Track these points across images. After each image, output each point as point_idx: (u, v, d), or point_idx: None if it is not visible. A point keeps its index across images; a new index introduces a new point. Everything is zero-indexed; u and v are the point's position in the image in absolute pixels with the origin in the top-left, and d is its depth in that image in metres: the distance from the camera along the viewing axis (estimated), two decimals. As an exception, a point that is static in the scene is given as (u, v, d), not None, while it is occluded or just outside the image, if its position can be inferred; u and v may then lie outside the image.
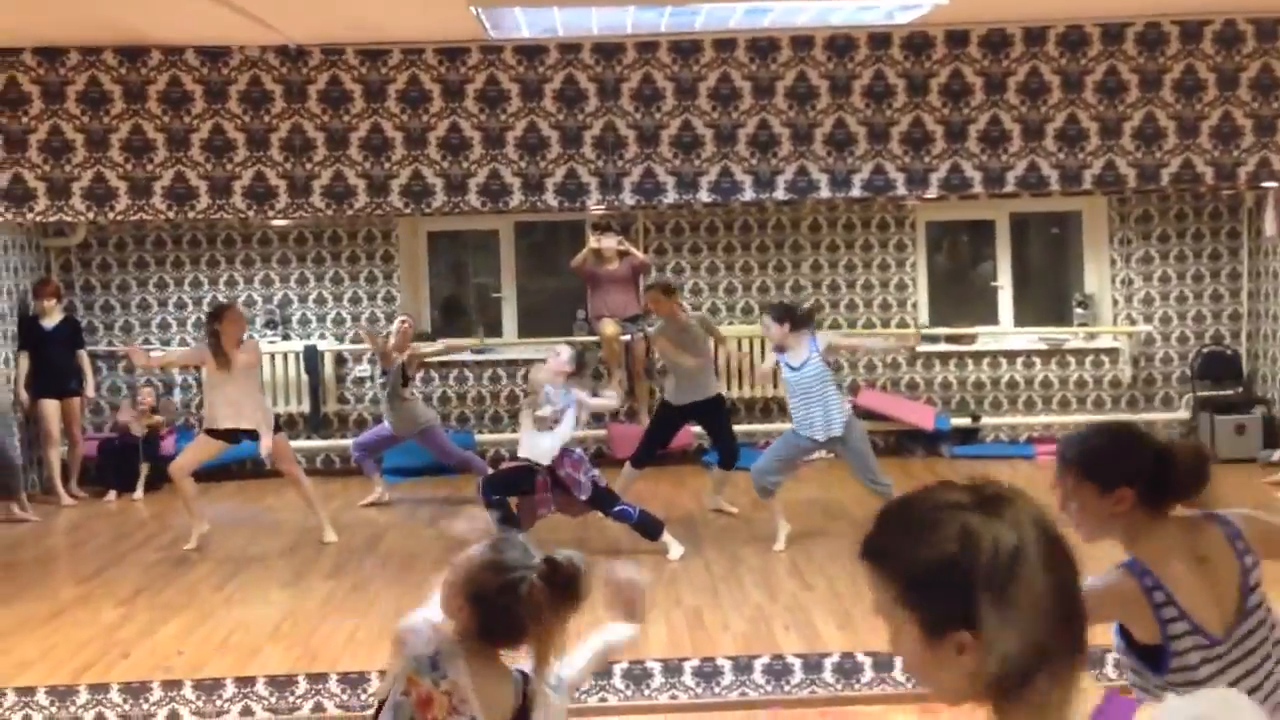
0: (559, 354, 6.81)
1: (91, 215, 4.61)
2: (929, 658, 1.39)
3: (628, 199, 4.57)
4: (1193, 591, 2.45)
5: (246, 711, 4.71)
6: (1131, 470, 2.50)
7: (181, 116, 4.66)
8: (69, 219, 4.65)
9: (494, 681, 2.37)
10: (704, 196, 4.57)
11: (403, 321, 8.16)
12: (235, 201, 4.57)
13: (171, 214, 4.58)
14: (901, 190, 4.56)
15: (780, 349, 6.82)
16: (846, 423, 6.65)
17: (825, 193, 4.55)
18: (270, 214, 4.56)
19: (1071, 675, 1.39)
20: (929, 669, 1.40)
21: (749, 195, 4.55)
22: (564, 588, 2.35)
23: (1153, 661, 2.45)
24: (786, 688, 4.78)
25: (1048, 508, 1.48)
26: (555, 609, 2.34)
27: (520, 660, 2.41)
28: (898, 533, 1.45)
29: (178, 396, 9.37)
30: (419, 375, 8.51)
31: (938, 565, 1.38)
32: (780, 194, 4.55)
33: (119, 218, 4.60)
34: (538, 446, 6.43)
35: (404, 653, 2.39)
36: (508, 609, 2.33)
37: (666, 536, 6.49)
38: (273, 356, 9.22)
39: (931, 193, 4.61)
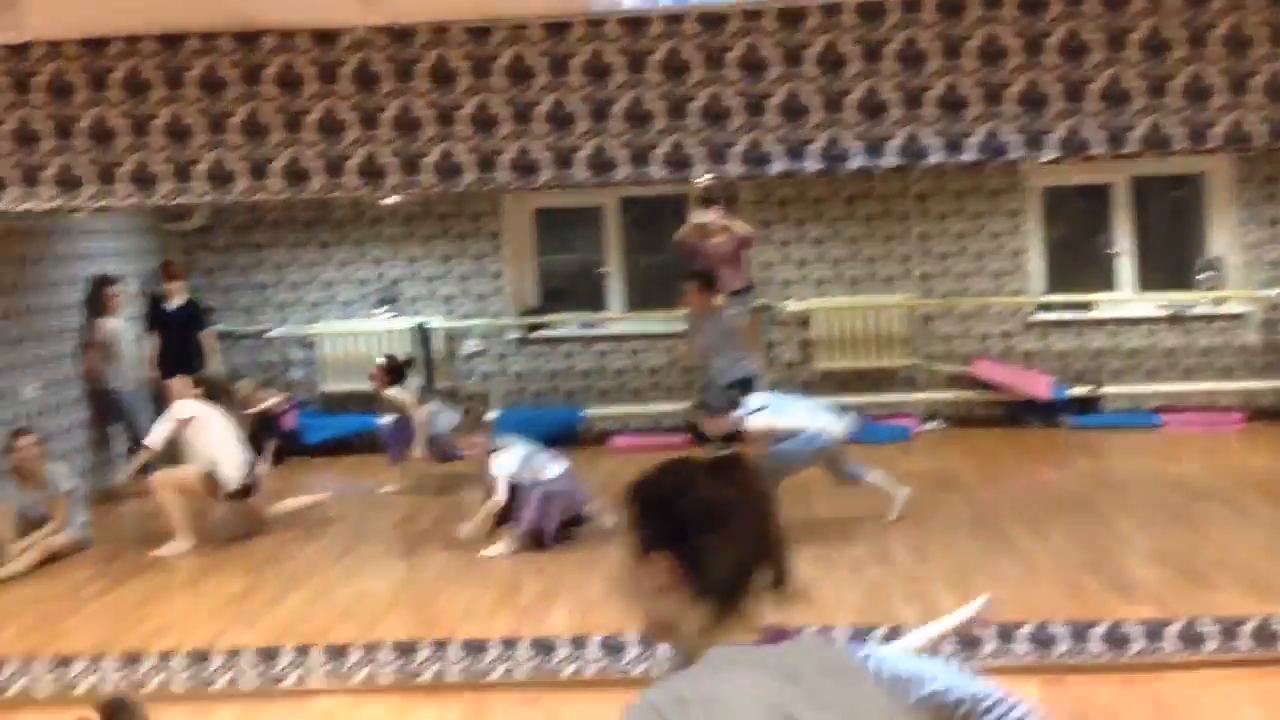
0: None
1: (212, 197, 4.74)
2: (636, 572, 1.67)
3: (734, 169, 4.53)
4: None
5: (372, 677, 4.83)
6: None
7: (294, 98, 4.76)
8: (191, 201, 4.78)
9: None
10: (811, 165, 4.50)
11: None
12: (347, 180, 4.65)
13: (287, 194, 4.69)
14: (1017, 153, 4.43)
15: None
16: None
17: (937, 158, 4.45)
18: (381, 192, 4.64)
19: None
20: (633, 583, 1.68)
21: (858, 162, 4.48)
22: None
23: None
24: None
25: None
26: None
27: None
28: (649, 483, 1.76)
29: (296, 374, 9.60)
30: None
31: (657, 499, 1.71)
32: (891, 160, 4.46)
33: (238, 199, 4.72)
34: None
35: None
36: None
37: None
38: (384, 334, 9.41)
39: (1049, 155, 4.47)
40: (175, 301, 8.83)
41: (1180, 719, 4.19)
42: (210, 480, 6.86)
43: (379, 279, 9.61)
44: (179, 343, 8.73)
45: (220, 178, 4.77)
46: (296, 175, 4.74)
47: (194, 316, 8.92)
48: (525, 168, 4.67)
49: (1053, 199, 9.54)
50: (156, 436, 7.00)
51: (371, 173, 4.69)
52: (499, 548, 6.26)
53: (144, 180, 4.82)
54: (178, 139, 4.79)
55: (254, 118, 4.76)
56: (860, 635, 4.68)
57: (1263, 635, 4.59)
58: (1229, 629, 4.61)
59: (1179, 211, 9.83)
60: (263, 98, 4.76)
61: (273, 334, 9.56)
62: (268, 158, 4.75)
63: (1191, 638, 4.62)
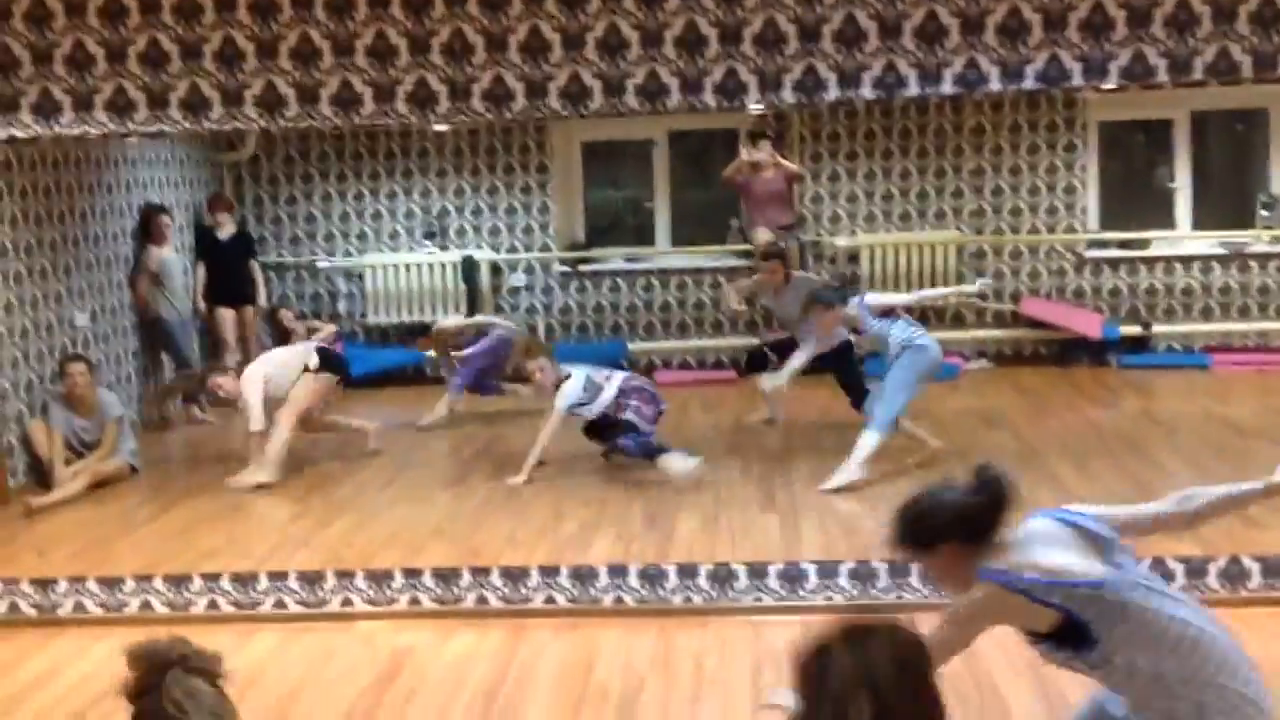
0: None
1: (263, 122, 4.74)
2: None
3: (788, 96, 4.45)
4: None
5: (414, 601, 4.90)
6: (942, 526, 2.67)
7: (346, 23, 4.73)
8: (242, 125, 4.79)
9: None
10: (866, 93, 4.42)
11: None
12: (398, 106, 4.64)
13: (338, 120, 4.68)
14: (1078, 80, 4.32)
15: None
16: None
17: (996, 85, 4.35)
18: (432, 118, 4.61)
19: None
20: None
21: (914, 90, 4.38)
22: None
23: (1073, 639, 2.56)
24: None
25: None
26: None
27: None
28: None
29: (342, 306, 9.67)
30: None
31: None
32: (948, 88, 4.37)
33: (289, 124, 4.72)
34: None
35: None
36: None
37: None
38: (431, 266, 9.44)
39: (1111, 82, 4.36)
40: (225, 232, 8.89)
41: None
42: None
43: (426, 212, 9.62)
44: (228, 273, 8.80)
45: (271, 104, 4.77)
46: (347, 101, 4.73)
47: (243, 247, 8.98)
48: (576, 95, 4.62)
49: (1111, 134, 9.34)
50: (257, 413, 6.66)
51: (422, 99, 4.66)
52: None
53: (195, 105, 4.83)
54: (229, 64, 4.79)
55: (306, 42, 4.74)
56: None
57: (1308, 574, 4.54)
58: (1272, 567, 4.55)
59: (1240, 147, 9.60)
60: (314, 22, 4.73)
61: (320, 265, 9.62)
62: (319, 83, 4.75)
63: (1235, 575, 4.57)
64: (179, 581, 4.98)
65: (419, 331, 8.94)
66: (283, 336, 8.93)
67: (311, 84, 4.72)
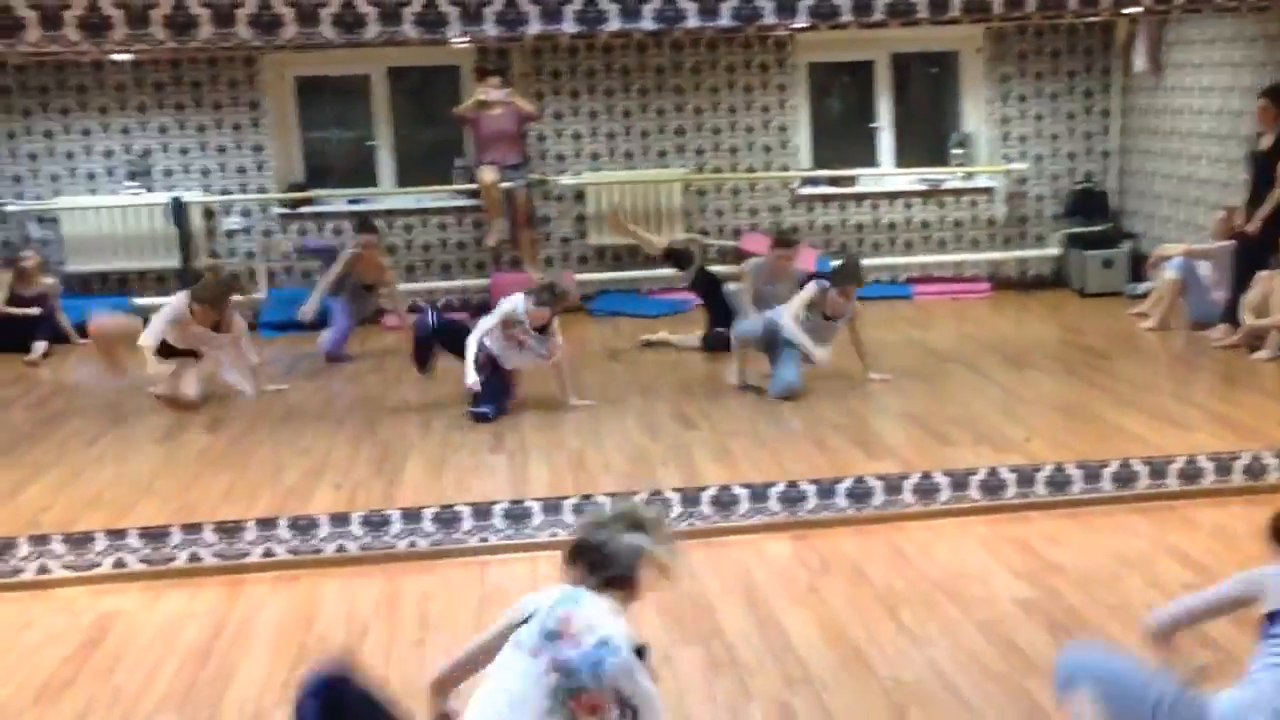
0: (525, 305, 6.33)
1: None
2: None
3: (490, 29, 4.38)
4: None
5: (119, 564, 4.64)
6: None
7: (5, -59, 4.31)
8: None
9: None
10: (568, 27, 4.40)
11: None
12: (68, 32, 4.26)
13: (1, 48, 4.27)
14: (770, 19, 4.44)
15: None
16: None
17: (693, 22, 4.42)
18: (108, 46, 4.27)
19: None
20: None
21: (615, 24, 4.39)
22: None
23: None
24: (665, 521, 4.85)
25: None
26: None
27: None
28: None
29: (41, 253, 8.95)
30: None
31: None
32: (648, 24, 4.40)
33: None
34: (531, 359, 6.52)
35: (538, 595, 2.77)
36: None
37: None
38: (136, 210, 8.86)
39: (801, 21, 4.51)
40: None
41: (916, 563, 4.49)
42: None
43: (128, 150, 9.00)
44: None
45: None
46: (9, 27, 4.31)
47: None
48: (267, 24, 4.38)
49: (819, 75, 9.73)
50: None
51: (95, 25, 4.30)
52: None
53: None
54: None
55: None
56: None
57: (989, 486, 4.94)
58: (960, 480, 4.94)
59: (935, 89, 10.21)
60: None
61: (9, 209, 8.85)
62: (-25, 7, 4.31)
63: (927, 490, 4.93)
64: None
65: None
66: (17, 281, 8.24)
67: (-32, 8, 4.29)
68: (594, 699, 2.53)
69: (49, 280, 8.46)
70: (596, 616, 2.62)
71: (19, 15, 4.24)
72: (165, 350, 6.76)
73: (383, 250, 8.24)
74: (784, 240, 7.60)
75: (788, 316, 6.63)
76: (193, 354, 6.85)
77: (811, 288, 6.68)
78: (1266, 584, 2.82)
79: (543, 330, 6.39)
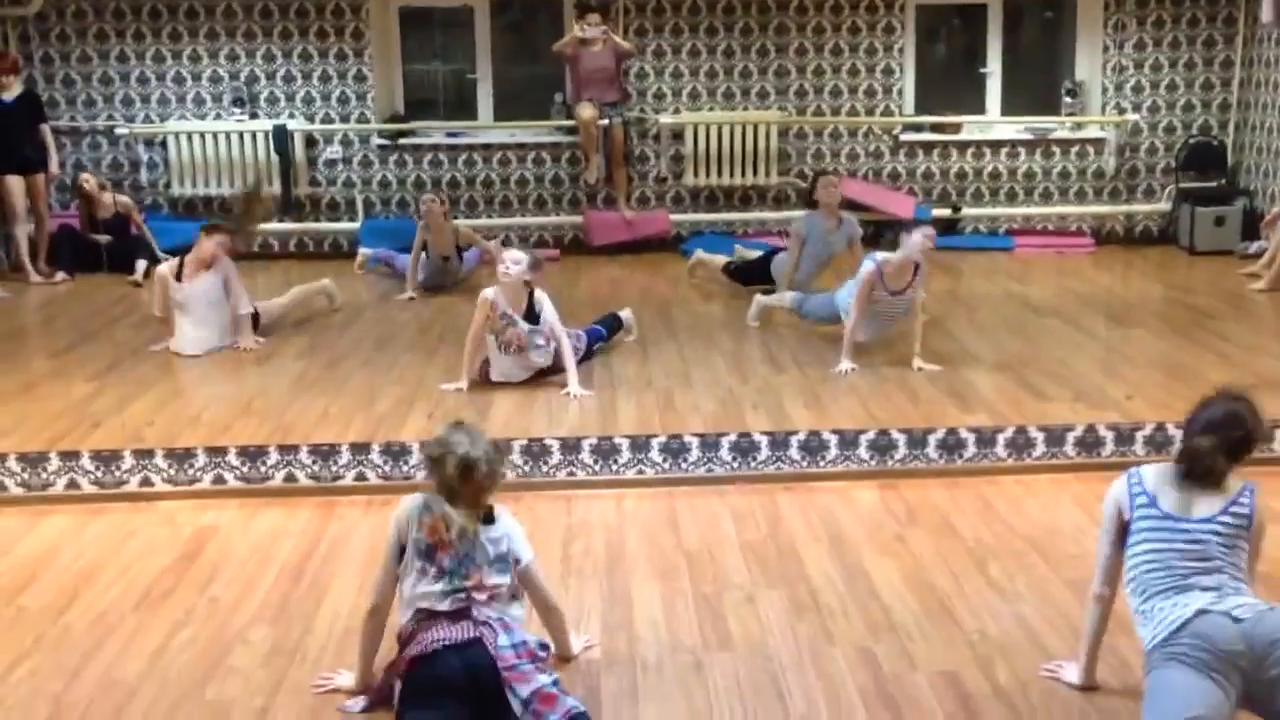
0: (516, 264, 5.60)
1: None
2: None
3: (598, -40, 4.33)
4: None
5: (219, 480, 4.77)
6: None
7: None
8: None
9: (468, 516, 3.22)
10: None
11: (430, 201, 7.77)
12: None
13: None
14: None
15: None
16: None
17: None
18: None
19: None
20: None
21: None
22: (477, 479, 3.19)
23: None
24: (753, 464, 4.85)
25: None
26: (471, 490, 3.19)
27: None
28: None
29: (144, 176, 9.17)
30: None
31: None
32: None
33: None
34: (525, 367, 5.80)
35: (402, 512, 3.27)
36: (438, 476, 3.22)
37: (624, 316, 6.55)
38: (241, 136, 9.01)
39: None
40: (10, 94, 8.26)
41: (1006, 518, 4.42)
42: None
43: (234, 77, 9.13)
44: (14, 139, 8.22)
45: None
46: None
47: (31, 110, 8.37)
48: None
49: (928, 18, 9.48)
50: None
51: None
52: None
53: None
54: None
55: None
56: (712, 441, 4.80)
57: (1085, 443, 4.83)
58: (1055, 436, 4.84)
59: (1049, 35, 9.89)
60: None
61: (119, 132, 9.06)
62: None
63: (1020, 445, 4.84)
64: (-41, 463, 4.71)
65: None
66: (87, 204, 8.44)
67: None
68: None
69: (122, 199, 8.60)
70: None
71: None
72: None
73: (448, 212, 7.88)
74: (827, 170, 7.38)
75: (854, 306, 5.96)
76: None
77: (868, 267, 5.97)
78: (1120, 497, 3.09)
79: (530, 317, 5.67)
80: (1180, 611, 2.83)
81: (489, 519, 3.25)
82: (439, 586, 3.17)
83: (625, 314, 6.59)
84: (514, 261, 5.60)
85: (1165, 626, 2.84)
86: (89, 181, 8.47)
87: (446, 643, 3.06)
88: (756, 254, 7.88)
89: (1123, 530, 3.06)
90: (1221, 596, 2.84)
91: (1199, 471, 2.95)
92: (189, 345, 6.35)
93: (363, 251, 8.57)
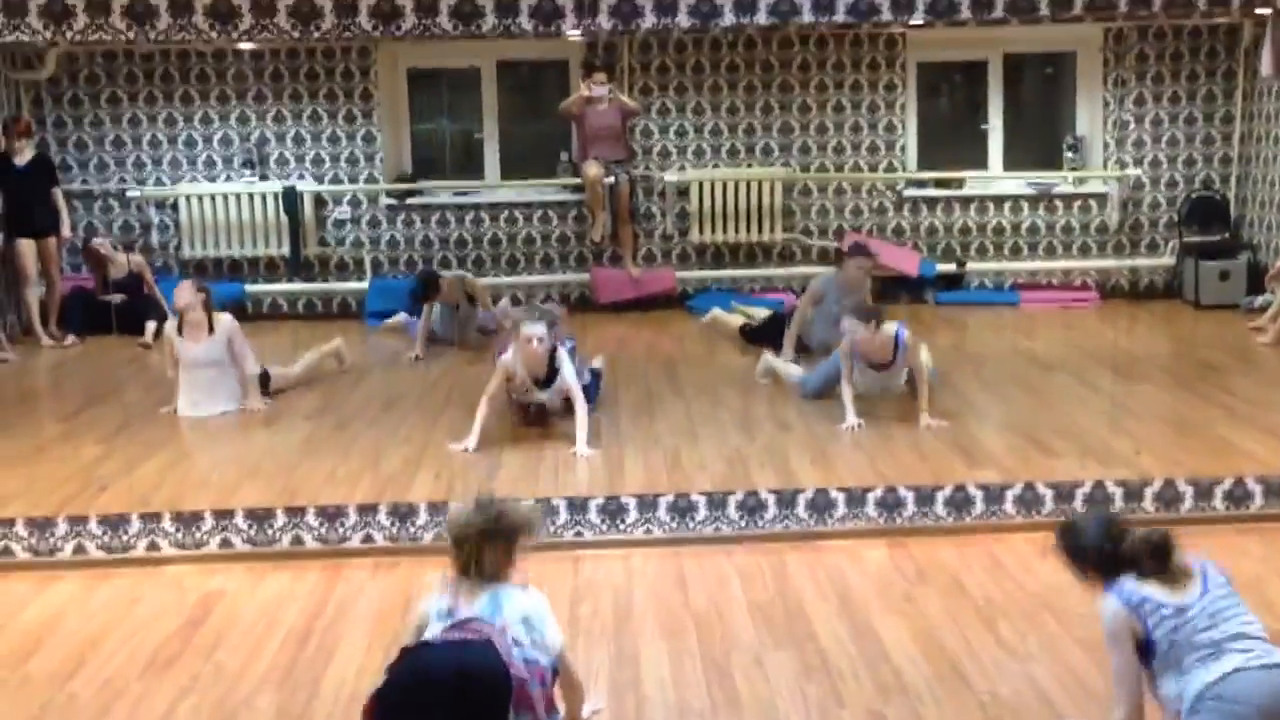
0: (540, 341, 5.57)
1: (49, 34, 4.43)
2: None
3: (604, 23, 4.40)
4: None
5: (225, 543, 4.77)
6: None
7: (138, -65, 4.46)
8: (26, 38, 4.46)
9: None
10: (683, 20, 4.41)
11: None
12: (197, 21, 4.39)
13: (131, 34, 4.40)
14: (887, 15, 4.39)
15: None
16: None
17: (808, 17, 4.38)
18: (234, 35, 4.39)
19: None
20: None
21: (729, 19, 4.39)
22: (505, 538, 3.06)
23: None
24: (760, 523, 4.84)
25: None
26: (499, 555, 3.06)
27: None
28: None
29: (155, 238, 9.25)
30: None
31: None
32: (762, 18, 4.38)
33: (77, 37, 4.42)
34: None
35: (426, 609, 3.09)
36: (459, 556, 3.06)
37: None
38: (250, 197, 9.09)
39: (918, 19, 4.45)
40: (23, 158, 8.36)
41: (1016, 575, 4.39)
42: None
43: (245, 139, 9.24)
44: (27, 202, 8.31)
45: (58, 15, 4.46)
46: (141, 15, 4.45)
47: (44, 174, 8.47)
48: (387, 15, 4.47)
49: (929, 75, 9.58)
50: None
51: (223, 14, 4.42)
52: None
53: (-31, 20, 4.48)
54: (9, -26, 4.46)
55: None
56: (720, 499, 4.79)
57: (1095, 499, 4.82)
58: (1064, 492, 4.82)
59: (1049, 91, 9.98)
60: (101, -67, 4.44)
61: (130, 194, 9.15)
62: (109, -4, 4.46)
63: (1029, 501, 4.82)
64: (-33, 528, 4.71)
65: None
66: (98, 266, 8.50)
67: (102, -3, 4.44)
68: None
69: (136, 258, 8.64)
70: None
71: (151, 3, 4.38)
72: None
73: (459, 285, 8.01)
74: (863, 250, 7.27)
75: (844, 381, 5.91)
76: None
77: (844, 343, 5.92)
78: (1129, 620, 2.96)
79: (549, 381, 5.73)
80: (1215, 672, 2.83)
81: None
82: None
83: (598, 363, 6.64)
84: (537, 339, 5.54)
85: (1200, 685, 2.83)
86: (103, 246, 8.55)
87: (442, 640, 2.84)
88: (763, 312, 7.92)
89: (1141, 647, 2.96)
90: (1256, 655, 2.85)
91: (1164, 559, 2.99)
92: (189, 408, 6.34)
93: (400, 319, 8.55)
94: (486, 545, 3.02)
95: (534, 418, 5.91)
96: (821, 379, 6.36)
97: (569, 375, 5.66)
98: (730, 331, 7.97)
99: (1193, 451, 5.42)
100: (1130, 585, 2.96)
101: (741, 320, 7.99)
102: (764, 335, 7.49)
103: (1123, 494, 4.84)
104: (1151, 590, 2.93)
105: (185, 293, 6.39)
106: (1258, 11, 4.47)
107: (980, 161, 9.55)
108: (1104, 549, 3.01)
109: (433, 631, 2.98)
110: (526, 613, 3.03)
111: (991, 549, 4.63)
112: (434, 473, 5.34)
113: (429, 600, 3.11)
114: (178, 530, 4.76)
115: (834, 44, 9.06)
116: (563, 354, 5.70)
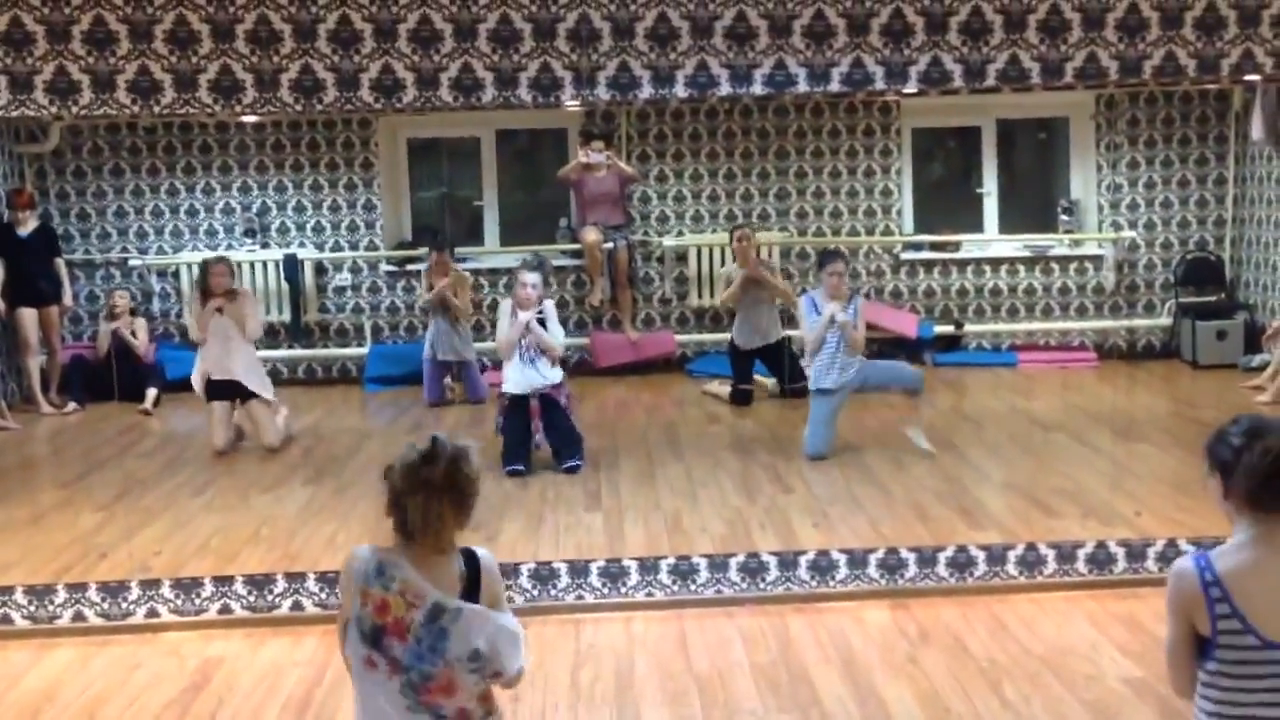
0: (534, 286, 6.44)
1: (55, 109, 4.50)
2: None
3: (602, 94, 4.47)
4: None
5: (225, 610, 4.74)
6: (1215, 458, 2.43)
7: (144, 8, 4.53)
8: (31, 114, 4.53)
9: (441, 566, 2.57)
10: (680, 91, 4.48)
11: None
12: (201, 96, 4.46)
13: (136, 108, 4.47)
14: (880, 84, 4.46)
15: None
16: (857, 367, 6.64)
17: (803, 87, 4.45)
18: (238, 109, 4.45)
19: None
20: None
21: (725, 89, 4.46)
22: (457, 489, 2.52)
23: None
24: (762, 585, 4.82)
25: None
26: (448, 509, 2.52)
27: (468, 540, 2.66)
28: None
29: (156, 306, 9.30)
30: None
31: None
32: (758, 88, 4.46)
33: (82, 112, 4.48)
34: (534, 378, 6.46)
35: (350, 575, 2.57)
36: (405, 510, 2.52)
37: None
38: (252, 265, 9.16)
39: (911, 87, 4.52)
40: (26, 228, 8.43)
41: (1019, 637, 4.37)
42: None
43: (246, 208, 9.33)
44: (29, 271, 8.36)
45: (63, 90, 4.53)
46: (146, 89, 4.53)
47: (46, 244, 8.54)
48: (389, 88, 4.54)
49: (924, 140, 9.70)
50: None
51: (226, 89, 4.50)
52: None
53: (-23, 95, 4.55)
54: (16, 47, 4.53)
55: (100, 25, 4.52)
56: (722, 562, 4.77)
57: (1097, 560, 4.80)
58: (1066, 553, 4.81)
59: (1043, 155, 10.10)
60: (110, 6, 4.52)
61: (133, 263, 9.22)
62: (115, 70, 4.53)
63: (1031, 562, 4.81)
64: (-34, 596, 4.69)
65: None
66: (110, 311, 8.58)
67: (107, 71, 4.50)
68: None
69: (139, 320, 8.71)
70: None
71: (156, 79, 4.45)
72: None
73: (460, 279, 8.41)
74: (831, 255, 7.21)
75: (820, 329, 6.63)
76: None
77: (825, 311, 6.56)
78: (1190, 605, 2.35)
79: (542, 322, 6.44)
80: None
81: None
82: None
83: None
84: (531, 285, 6.42)
85: None
86: (120, 304, 8.61)
87: None
88: (725, 386, 8.17)
89: (1198, 641, 2.36)
90: None
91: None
92: (216, 370, 6.99)
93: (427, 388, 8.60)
94: (443, 500, 2.50)
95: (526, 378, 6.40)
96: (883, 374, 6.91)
97: (552, 320, 6.47)
98: (722, 397, 8.05)
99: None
100: (1218, 554, 2.34)
101: (727, 388, 8.04)
102: (747, 395, 7.95)
103: (1125, 554, 4.82)
104: (1242, 581, 2.28)
105: (227, 277, 7.10)
106: (1246, 79, 4.55)
107: (976, 225, 9.64)
108: (1236, 445, 2.36)
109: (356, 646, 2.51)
110: (478, 645, 2.50)
111: (994, 610, 4.60)
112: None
113: (353, 565, 2.57)
114: (177, 596, 4.73)
115: (829, 111, 9.19)
116: (549, 304, 6.54)
